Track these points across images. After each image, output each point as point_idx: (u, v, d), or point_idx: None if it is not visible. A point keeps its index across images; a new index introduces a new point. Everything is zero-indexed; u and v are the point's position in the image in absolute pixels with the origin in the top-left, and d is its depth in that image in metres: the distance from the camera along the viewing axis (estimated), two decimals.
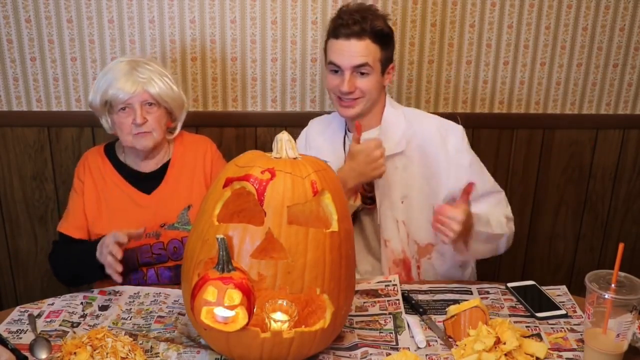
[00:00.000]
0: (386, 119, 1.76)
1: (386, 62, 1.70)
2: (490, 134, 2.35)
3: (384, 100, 1.78)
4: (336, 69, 1.67)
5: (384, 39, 1.66)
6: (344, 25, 1.63)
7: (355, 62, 1.63)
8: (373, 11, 1.67)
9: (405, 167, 1.72)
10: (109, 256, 1.47)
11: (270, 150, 1.29)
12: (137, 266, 1.72)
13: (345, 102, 1.69)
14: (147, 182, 1.77)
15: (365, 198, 1.75)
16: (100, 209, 1.75)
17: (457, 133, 1.73)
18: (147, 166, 1.79)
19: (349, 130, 1.81)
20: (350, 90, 1.65)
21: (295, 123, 2.21)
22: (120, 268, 1.47)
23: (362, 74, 1.65)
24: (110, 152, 1.81)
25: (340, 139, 1.83)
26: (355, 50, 1.63)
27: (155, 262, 1.73)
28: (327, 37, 1.71)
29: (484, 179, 1.74)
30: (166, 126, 1.76)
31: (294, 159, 1.27)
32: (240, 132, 2.29)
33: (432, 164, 1.71)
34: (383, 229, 1.74)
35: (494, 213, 1.68)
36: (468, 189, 1.54)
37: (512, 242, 2.52)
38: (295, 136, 1.63)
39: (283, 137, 1.28)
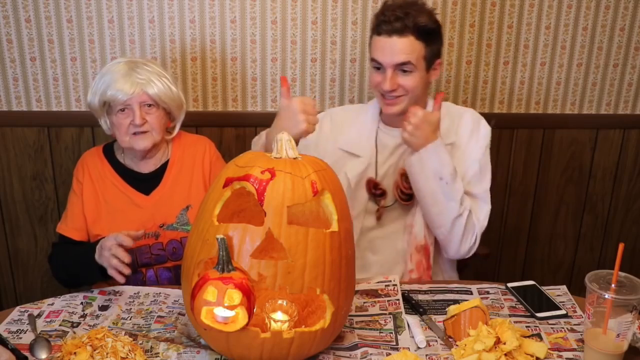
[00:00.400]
0: None
1: (432, 58, 1.66)
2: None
3: (427, 97, 1.77)
4: (378, 66, 1.65)
5: (428, 35, 1.62)
6: (386, 21, 1.60)
7: (397, 60, 1.61)
8: (419, 6, 1.63)
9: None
10: (113, 259, 1.46)
11: (270, 150, 1.29)
12: (137, 267, 1.72)
13: (388, 100, 1.67)
14: (145, 183, 1.77)
15: (402, 194, 1.73)
16: (99, 210, 1.75)
17: (485, 129, 1.75)
18: (146, 166, 1.79)
19: (385, 123, 1.80)
20: (392, 88, 1.63)
21: None
22: (127, 271, 1.47)
23: (405, 71, 1.63)
24: (109, 152, 1.81)
25: (373, 131, 1.80)
26: (398, 48, 1.60)
27: (155, 262, 1.73)
28: (371, 33, 1.68)
29: (482, 183, 1.73)
30: (165, 126, 1.76)
31: (294, 159, 1.27)
32: (240, 132, 2.29)
33: (461, 150, 1.72)
34: (411, 214, 1.74)
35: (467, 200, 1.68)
36: (437, 98, 1.60)
37: (512, 242, 2.54)
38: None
39: (283, 137, 1.28)
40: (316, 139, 1.76)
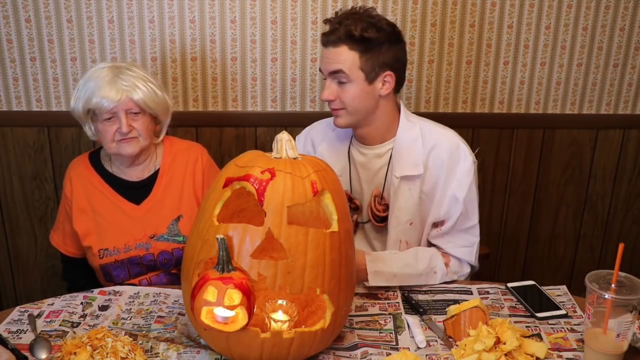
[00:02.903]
0: (401, 136, 1.66)
1: (373, 69, 1.57)
2: (490, 134, 2.35)
3: (393, 110, 1.67)
4: (324, 77, 1.63)
5: (363, 44, 1.54)
6: (325, 33, 1.59)
7: (330, 68, 1.57)
8: (359, 15, 1.56)
9: (420, 191, 1.65)
10: None
11: (270, 150, 1.29)
12: (129, 277, 1.71)
13: (332, 111, 1.64)
14: (136, 192, 1.74)
15: (376, 216, 1.70)
16: (89, 222, 1.72)
17: (466, 164, 1.63)
18: (135, 173, 1.75)
19: (355, 139, 1.74)
20: (328, 98, 1.60)
21: (295, 123, 2.21)
22: None
23: (341, 82, 1.58)
24: (96, 161, 1.77)
25: (346, 145, 1.76)
26: (330, 57, 1.57)
27: (147, 271, 1.72)
28: None
29: (469, 218, 1.65)
30: (152, 131, 1.72)
31: (294, 159, 1.27)
32: (240, 132, 2.29)
33: (432, 186, 1.65)
34: (387, 247, 1.70)
35: (438, 258, 1.63)
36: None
37: (512, 242, 2.54)
38: (295, 136, 1.62)
39: (283, 137, 1.28)
40: None
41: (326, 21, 1.61)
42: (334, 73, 1.58)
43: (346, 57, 1.56)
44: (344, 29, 1.54)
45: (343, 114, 1.62)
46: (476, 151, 1.70)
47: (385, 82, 1.61)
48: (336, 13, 1.61)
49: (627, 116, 2.39)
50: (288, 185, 1.19)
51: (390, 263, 1.58)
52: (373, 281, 1.54)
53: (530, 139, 2.38)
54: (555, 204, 2.48)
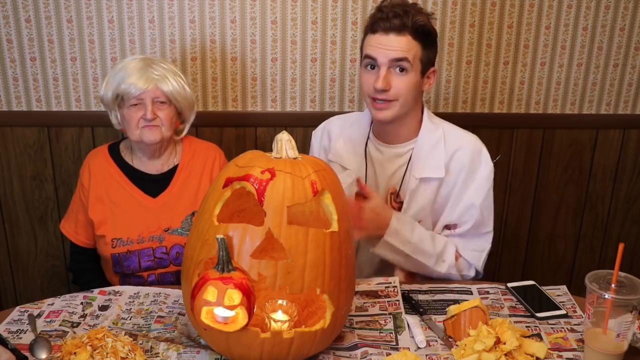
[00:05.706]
0: (423, 137, 1.66)
1: (427, 63, 1.59)
2: (490, 134, 2.35)
3: (421, 110, 1.68)
4: (372, 64, 1.57)
5: (426, 36, 1.56)
6: (383, 18, 1.53)
7: (393, 55, 1.53)
8: (417, 7, 1.57)
9: (437, 193, 1.66)
10: None
11: (270, 150, 1.29)
12: (139, 269, 1.72)
13: (379, 104, 1.58)
14: (153, 185, 1.77)
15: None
16: (105, 211, 1.74)
17: (485, 170, 1.66)
18: (154, 167, 1.79)
19: (373, 135, 1.73)
20: (384, 87, 1.54)
21: (295, 123, 2.22)
22: None
23: (401, 70, 1.55)
24: (115, 153, 1.80)
25: (362, 143, 1.74)
26: (395, 45, 1.53)
27: (157, 266, 1.73)
28: (365, 33, 1.61)
29: (485, 224, 1.68)
30: (175, 125, 1.77)
31: (294, 159, 1.27)
32: (240, 132, 2.29)
33: (450, 189, 1.65)
34: None
35: (452, 249, 1.65)
36: (361, 186, 1.59)
37: (512, 242, 2.54)
38: (295, 136, 1.62)
39: (283, 137, 1.28)
40: (316, 154, 1.78)
41: (383, 7, 1.55)
42: (397, 61, 1.54)
43: (411, 46, 1.54)
44: (412, 18, 1.53)
45: (394, 106, 1.58)
46: (496, 159, 1.70)
47: (428, 78, 1.63)
48: (382, 3, 1.57)
49: (627, 116, 2.39)
50: (288, 185, 1.19)
51: (411, 229, 1.59)
52: (389, 237, 1.56)
53: (530, 139, 2.38)
54: (555, 204, 2.48)
